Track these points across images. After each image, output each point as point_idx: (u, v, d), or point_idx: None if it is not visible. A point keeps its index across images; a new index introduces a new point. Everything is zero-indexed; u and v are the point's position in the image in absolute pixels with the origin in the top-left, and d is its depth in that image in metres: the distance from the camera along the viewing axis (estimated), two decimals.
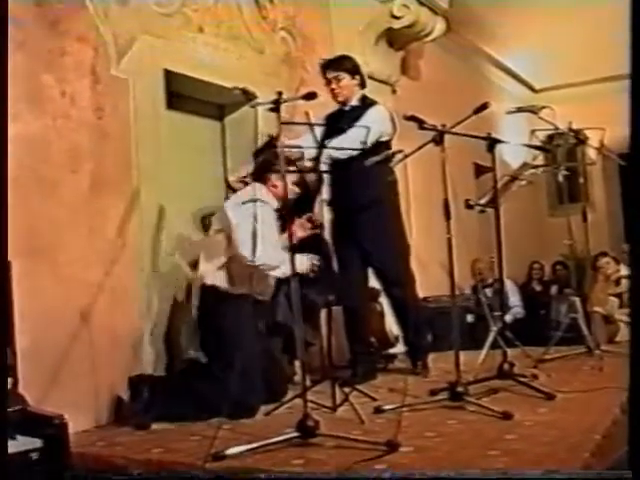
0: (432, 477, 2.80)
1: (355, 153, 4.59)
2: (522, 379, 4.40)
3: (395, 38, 7.33)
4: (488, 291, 8.16)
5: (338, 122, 4.97)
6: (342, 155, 4.67)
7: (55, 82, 4.20)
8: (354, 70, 5.23)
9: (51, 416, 3.12)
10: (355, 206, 5.09)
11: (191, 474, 3.16)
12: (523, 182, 5.47)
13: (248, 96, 5.00)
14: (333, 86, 5.17)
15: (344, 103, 5.24)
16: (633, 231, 2.64)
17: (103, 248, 4.38)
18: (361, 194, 5.07)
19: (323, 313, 5.08)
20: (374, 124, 4.69)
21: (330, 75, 5.18)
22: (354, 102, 5.23)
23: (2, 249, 2.98)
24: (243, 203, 4.25)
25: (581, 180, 6.37)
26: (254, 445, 3.25)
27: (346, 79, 5.17)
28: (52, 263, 4.04)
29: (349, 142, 4.60)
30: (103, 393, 4.24)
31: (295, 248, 3.70)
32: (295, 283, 3.48)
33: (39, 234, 3.97)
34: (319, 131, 4.35)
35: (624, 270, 8.29)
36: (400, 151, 4.82)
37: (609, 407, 3.73)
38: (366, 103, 5.22)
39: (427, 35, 7.52)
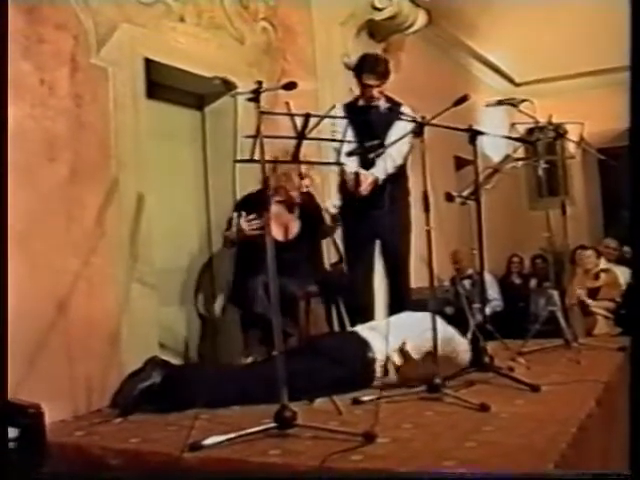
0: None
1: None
2: (504, 372, 4.42)
3: (376, 30, 7.31)
4: (466, 283, 8.20)
5: (362, 117, 5.13)
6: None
7: (33, 70, 4.16)
8: (389, 73, 5.37)
9: (27, 405, 3.11)
10: (376, 203, 5.23)
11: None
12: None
13: (228, 86, 4.99)
14: (375, 93, 5.29)
15: None
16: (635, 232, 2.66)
17: (81, 237, 4.35)
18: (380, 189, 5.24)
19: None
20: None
21: (373, 82, 5.28)
22: (382, 102, 5.36)
23: (2, 244, 2.97)
24: None
25: (560, 174, 6.39)
26: (231, 435, 3.25)
27: (385, 84, 5.32)
28: (29, 252, 4.00)
29: (394, 159, 5.14)
30: (80, 383, 4.21)
31: None
32: (273, 273, 3.47)
33: (15, 223, 3.93)
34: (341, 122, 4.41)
35: (603, 264, 8.35)
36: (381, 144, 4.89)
37: (585, 399, 3.75)
38: (392, 103, 5.38)
39: (409, 27, 7.50)
